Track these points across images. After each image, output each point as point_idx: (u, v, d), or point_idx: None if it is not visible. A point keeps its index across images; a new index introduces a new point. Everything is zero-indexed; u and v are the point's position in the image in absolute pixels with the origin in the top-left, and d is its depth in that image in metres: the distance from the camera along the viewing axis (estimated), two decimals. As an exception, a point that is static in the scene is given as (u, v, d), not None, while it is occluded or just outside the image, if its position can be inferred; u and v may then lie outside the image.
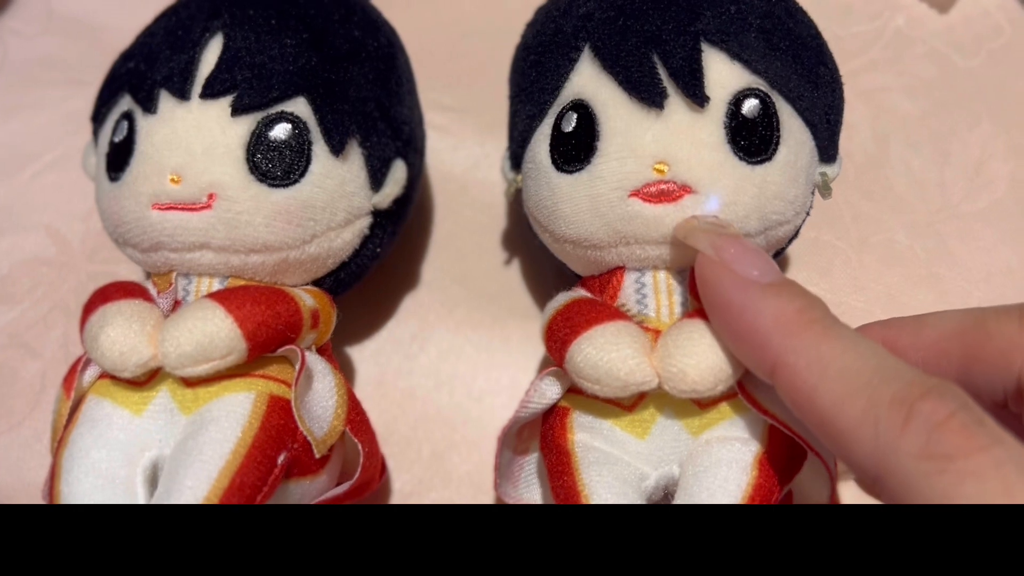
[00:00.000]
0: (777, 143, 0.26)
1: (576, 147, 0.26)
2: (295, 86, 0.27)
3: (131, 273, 0.36)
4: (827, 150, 0.27)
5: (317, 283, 0.30)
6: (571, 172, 0.26)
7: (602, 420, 0.26)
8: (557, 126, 0.27)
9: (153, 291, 0.28)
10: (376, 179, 0.29)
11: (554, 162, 0.27)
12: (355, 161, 0.28)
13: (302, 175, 0.27)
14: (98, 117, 0.30)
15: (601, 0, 0.27)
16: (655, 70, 0.25)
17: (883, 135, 0.38)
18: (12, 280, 0.36)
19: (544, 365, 0.34)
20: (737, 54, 0.26)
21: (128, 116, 0.28)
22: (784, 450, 0.25)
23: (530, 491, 0.29)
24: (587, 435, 0.26)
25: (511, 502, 0.28)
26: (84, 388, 0.27)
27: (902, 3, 0.41)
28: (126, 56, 0.30)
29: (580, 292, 0.28)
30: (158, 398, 0.26)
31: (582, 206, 0.26)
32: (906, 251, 0.36)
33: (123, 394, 0.26)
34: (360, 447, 0.27)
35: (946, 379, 0.19)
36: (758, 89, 0.26)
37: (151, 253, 0.28)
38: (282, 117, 0.27)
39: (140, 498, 0.25)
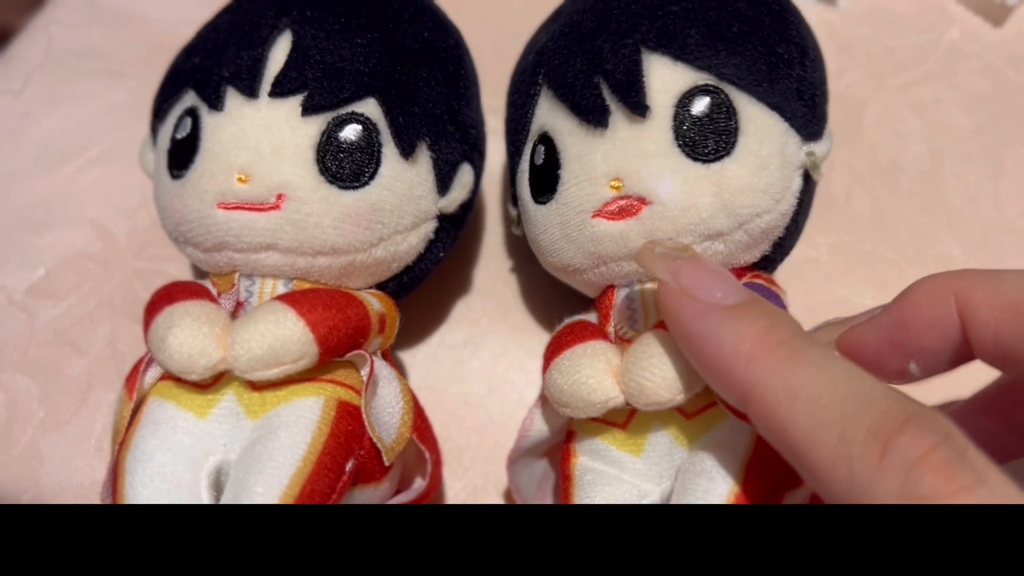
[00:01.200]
0: (734, 136, 0.25)
1: (545, 179, 0.27)
2: (366, 87, 0.27)
3: (180, 271, 0.35)
4: (808, 128, 0.27)
5: (380, 286, 0.29)
6: (544, 203, 0.27)
7: (600, 440, 0.26)
8: (532, 161, 0.28)
9: (213, 291, 0.28)
10: (443, 183, 0.28)
11: (532, 195, 0.28)
12: (423, 164, 0.28)
13: (372, 177, 0.27)
14: (159, 113, 0.29)
15: (556, 30, 0.28)
16: (598, 89, 0.26)
17: (937, 149, 0.38)
18: (57, 275, 0.35)
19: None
20: (679, 55, 0.25)
21: (192, 112, 0.27)
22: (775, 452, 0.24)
23: None
24: (588, 457, 0.27)
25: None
26: (145, 389, 0.26)
27: (956, 16, 0.41)
28: (189, 51, 0.29)
29: (582, 316, 0.29)
30: (223, 401, 0.26)
31: (556, 234, 0.27)
32: (961, 266, 0.35)
33: (187, 396, 0.26)
34: (428, 455, 0.27)
35: (1018, 342, 0.18)
36: (707, 85, 0.25)
37: (214, 253, 0.27)
38: (353, 118, 0.27)
39: (204, 501, 0.25)
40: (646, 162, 0.25)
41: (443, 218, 0.29)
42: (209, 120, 0.27)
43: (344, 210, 0.26)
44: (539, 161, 0.28)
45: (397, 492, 0.29)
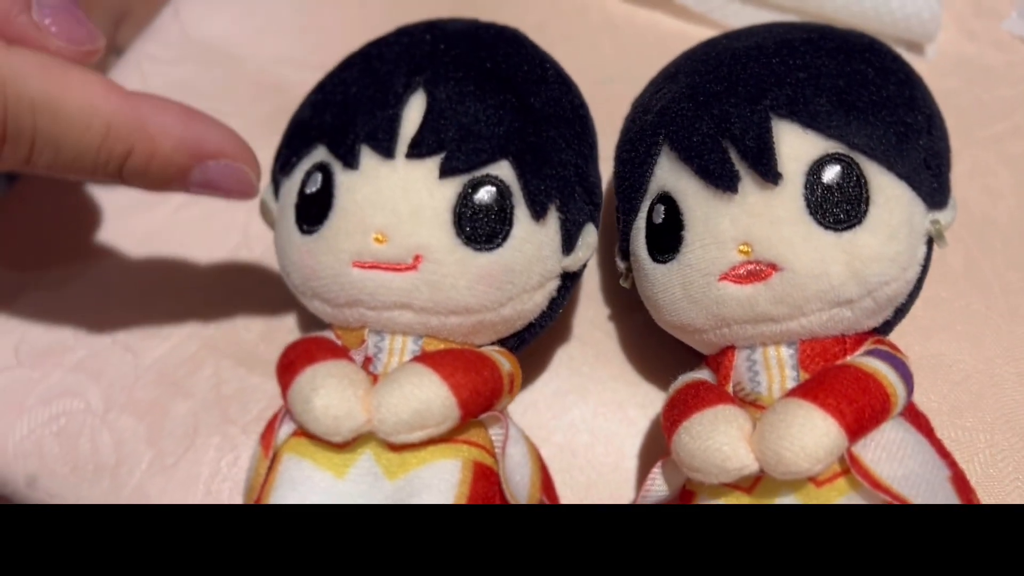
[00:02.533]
0: (866, 205, 0.25)
1: (666, 238, 0.27)
2: (501, 149, 0.27)
3: (282, 312, 0.35)
4: (934, 197, 0.27)
5: (501, 342, 0.29)
6: (664, 262, 0.28)
7: (724, 503, 0.26)
8: (649, 219, 0.28)
9: (338, 343, 0.28)
10: (569, 242, 0.29)
11: (650, 253, 0.28)
12: (552, 225, 0.28)
13: (505, 239, 0.27)
14: (285, 166, 0.29)
15: (677, 92, 0.28)
16: (726, 154, 0.26)
17: (1028, 203, 0.38)
18: (161, 314, 0.36)
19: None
20: (809, 123, 0.26)
21: (323, 168, 0.28)
22: None
23: None
24: None
25: None
26: (279, 445, 0.27)
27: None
28: (317, 105, 0.29)
29: (697, 375, 0.29)
30: (361, 461, 0.26)
31: (677, 294, 0.27)
32: (1056, 325, 0.36)
33: (324, 455, 0.26)
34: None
35: None
36: (838, 154, 0.26)
37: (345, 309, 0.28)
38: (487, 180, 0.27)
39: (344, 563, 0.25)
40: (777, 229, 0.25)
41: (564, 276, 0.29)
42: (344, 178, 0.27)
43: (479, 271, 0.27)
44: (658, 220, 0.28)
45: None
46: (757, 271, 0.26)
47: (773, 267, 0.26)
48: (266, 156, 0.30)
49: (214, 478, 0.33)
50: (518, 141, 0.27)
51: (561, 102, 0.29)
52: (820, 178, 0.26)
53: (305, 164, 0.29)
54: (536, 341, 0.35)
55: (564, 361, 0.35)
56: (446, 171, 0.26)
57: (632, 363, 0.35)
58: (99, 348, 0.35)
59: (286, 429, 0.27)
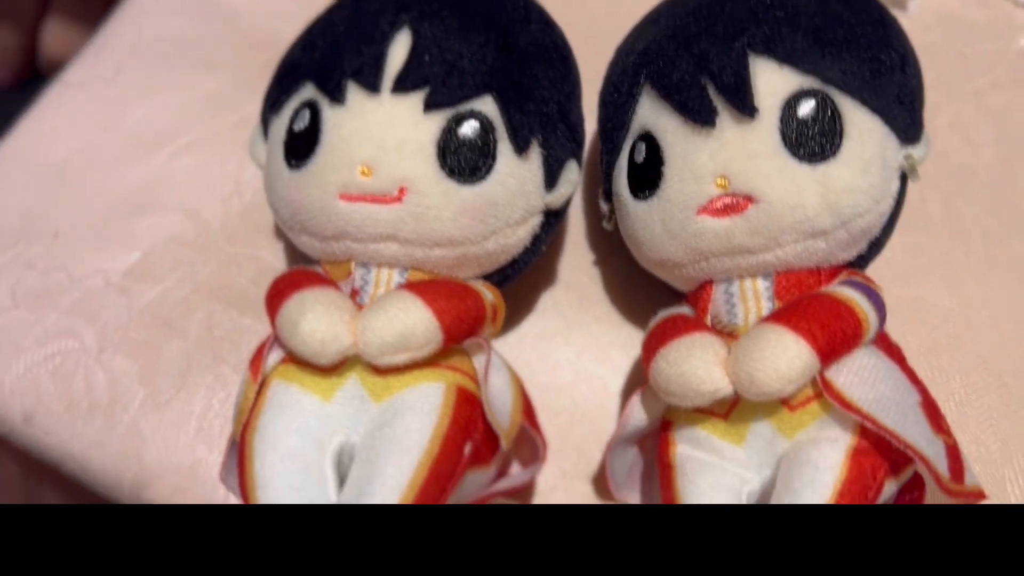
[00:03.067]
0: (840, 138, 0.26)
1: (647, 175, 0.28)
2: (485, 85, 0.28)
3: (273, 256, 0.36)
4: (907, 132, 0.28)
5: (486, 277, 0.30)
6: (645, 199, 0.28)
7: (700, 430, 0.27)
8: (631, 158, 0.29)
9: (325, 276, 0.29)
10: (551, 179, 0.29)
11: (631, 191, 0.29)
12: (535, 161, 0.29)
13: (488, 173, 0.27)
14: (275, 104, 0.30)
15: (658, 34, 0.29)
16: (704, 90, 0.27)
17: (1008, 155, 0.39)
18: (154, 259, 0.36)
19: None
20: (785, 59, 0.27)
21: (311, 105, 0.28)
22: (882, 442, 0.25)
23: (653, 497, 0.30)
24: (688, 446, 0.28)
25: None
26: (267, 372, 0.27)
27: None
28: (305, 45, 0.30)
29: (677, 309, 0.30)
30: (347, 385, 0.27)
31: (657, 230, 0.28)
32: (1032, 271, 0.37)
33: (311, 379, 0.27)
34: (539, 440, 0.28)
35: None
36: (812, 89, 0.26)
37: (331, 242, 0.28)
38: (471, 115, 0.27)
39: (330, 482, 0.26)
40: (753, 162, 0.26)
41: (548, 212, 0.30)
42: (331, 114, 0.28)
43: (462, 204, 0.27)
44: (639, 159, 0.29)
45: (498, 477, 0.30)
46: (734, 204, 0.26)
47: (749, 199, 0.26)
48: (259, 108, 0.31)
49: (206, 415, 0.33)
50: (501, 78, 0.28)
51: (544, 42, 0.30)
52: (795, 112, 0.26)
53: (294, 102, 0.29)
54: (523, 284, 0.36)
55: (549, 305, 0.36)
56: (430, 105, 0.27)
57: (615, 306, 0.36)
58: (93, 291, 0.36)
59: (274, 356, 0.28)
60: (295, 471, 0.25)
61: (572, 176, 0.30)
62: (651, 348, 0.28)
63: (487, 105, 0.28)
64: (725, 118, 0.26)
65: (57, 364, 0.34)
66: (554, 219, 0.31)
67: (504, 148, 0.28)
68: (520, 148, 0.28)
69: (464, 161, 0.27)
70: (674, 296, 0.31)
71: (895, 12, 0.42)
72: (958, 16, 0.42)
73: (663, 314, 0.30)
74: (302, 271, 0.28)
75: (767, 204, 0.26)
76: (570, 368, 0.35)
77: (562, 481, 0.33)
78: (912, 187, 0.38)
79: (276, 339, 0.27)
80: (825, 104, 0.26)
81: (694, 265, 0.28)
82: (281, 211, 0.29)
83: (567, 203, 0.31)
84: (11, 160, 0.39)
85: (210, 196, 0.38)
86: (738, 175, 0.26)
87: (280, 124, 0.29)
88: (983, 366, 0.34)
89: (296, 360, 0.27)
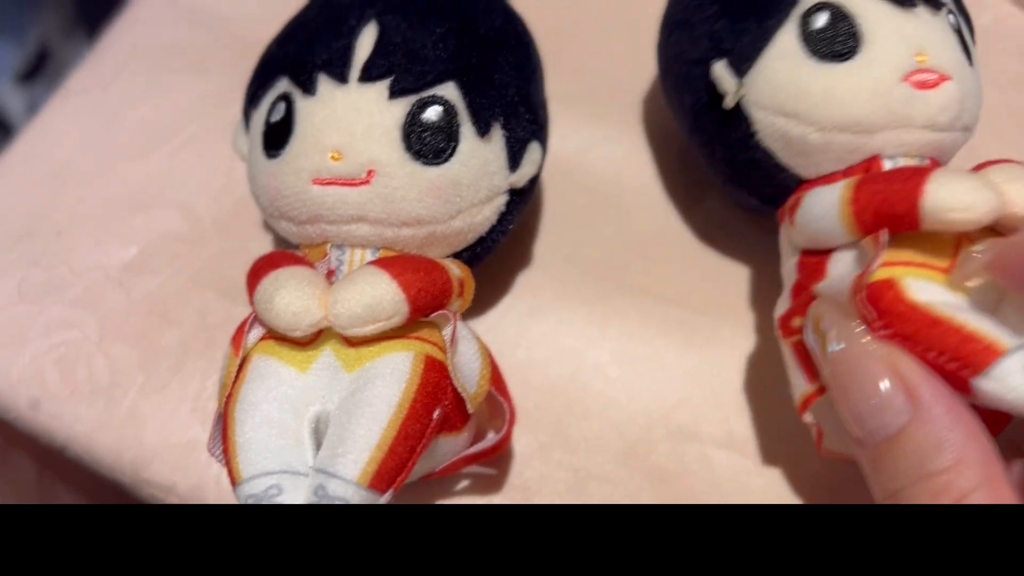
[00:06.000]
0: (970, 51, 0.31)
1: (841, 39, 0.29)
2: (446, 71, 0.29)
3: (262, 248, 0.38)
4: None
5: (456, 255, 0.32)
6: (842, 60, 0.29)
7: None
8: (806, 24, 0.30)
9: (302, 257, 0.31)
10: (514, 159, 0.31)
11: (815, 53, 0.29)
12: (497, 142, 0.30)
13: (451, 154, 0.29)
14: (253, 99, 0.32)
15: None
16: None
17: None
18: (152, 252, 0.38)
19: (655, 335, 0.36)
20: None
21: (286, 97, 0.30)
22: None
23: None
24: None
25: None
26: (249, 347, 0.29)
27: (988, 3, 0.43)
28: (281, 41, 0.32)
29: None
30: (322, 357, 0.28)
31: (862, 88, 0.29)
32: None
33: (289, 353, 0.28)
34: (505, 405, 0.29)
35: None
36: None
37: (307, 225, 0.30)
38: (434, 100, 0.29)
39: (307, 446, 0.27)
40: (945, 47, 0.29)
41: (513, 192, 0.32)
42: (303, 104, 0.29)
43: (427, 184, 0.29)
44: (820, 24, 0.30)
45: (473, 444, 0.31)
46: (930, 79, 0.29)
47: (945, 77, 0.29)
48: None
49: (200, 396, 0.35)
50: (463, 64, 0.30)
51: (505, 30, 0.31)
52: (956, 16, 0.31)
53: (270, 95, 0.31)
54: (501, 267, 0.38)
55: (525, 285, 0.37)
56: (395, 92, 0.29)
57: (588, 287, 0.37)
58: (94, 284, 0.38)
59: (255, 333, 0.29)
60: (273, 435, 0.27)
61: (535, 156, 0.31)
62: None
63: (449, 91, 0.29)
64: (920, 5, 0.30)
65: (61, 353, 0.36)
66: (519, 199, 0.32)
67: (467, 131, 0.29)
68: (482, 131, 0.30)
69: (428, 144, 0.29)
70: (649, 270, 0.33)
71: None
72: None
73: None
74: (279, 253, 0.30)
75: (956, 84, 0.29)
76: (544, 345, 0.36)
77: (539, 451, 0.34)
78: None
79: (256, 317, 0.29)
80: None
81: (881, 133, 0.29)
82: (261, 199, 0.31)
83: (532, 183, 0.33)
84: (16, 164, 0.41)
85: (202, 193, 0.40)
86: (935, 55, 0.29)
87: (259, 117, 0.31)
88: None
89: (275, 336, 0.29)
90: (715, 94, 0.31)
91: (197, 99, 0.42)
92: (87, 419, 0.35)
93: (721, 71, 0.31)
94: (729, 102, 0.31)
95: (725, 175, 0.34)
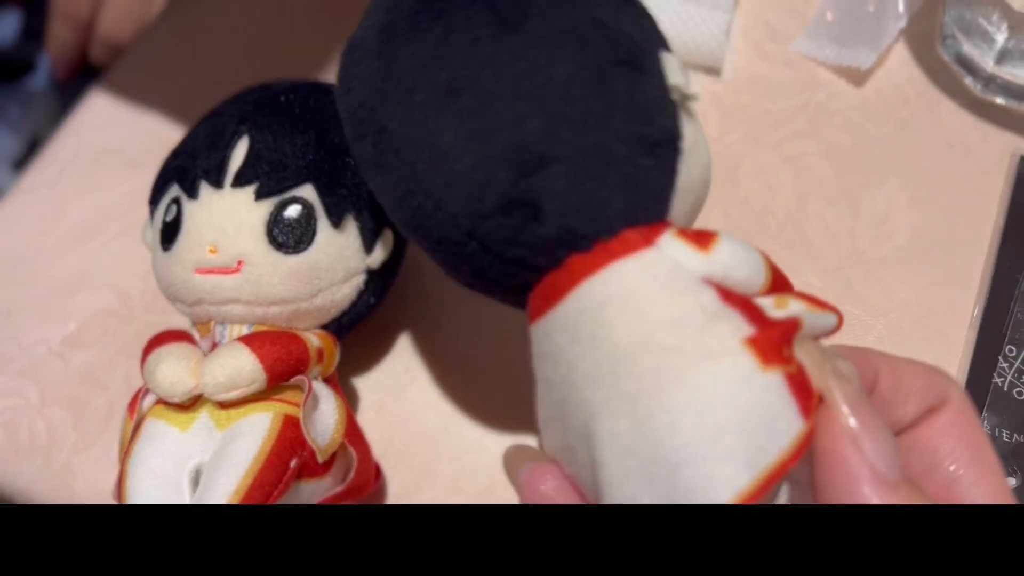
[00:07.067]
0: None
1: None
2: (305, 176, 0.35)
3: (181, 321, 0.44)
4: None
5: (325, 327, 0.37)
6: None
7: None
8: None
9: (196, 335, 0.37)
10: (368, 245, 0.37)
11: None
12: (351, 231, 0.36)
13: (309, 244, 0.35)
14: (154, 200, 0.38)
15: None
16: None
17: (803, 194, 0.45)
18: (86, 329, 0.44)
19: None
20: None
21: (176, 201, 0.36)
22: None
23: None
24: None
25: None
26: (144, 411, 0.35)
27: (824, 80, 0.49)
28: (175, 154, 0.38)
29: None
30: (200, 418, 0.34)
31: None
32: (819, 292, 0.42)
33: (173, 415, 0.34)
34: (354, 453, 0.35)
35: None
36: None
37: (195, 306, 0.36)
38: (294, 200, 0.35)
39: (186, 494, 0.33)
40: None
41: (371, 272, 0.37)
42: (188, 206, 0.36)
43: (288, 270, 0.35)
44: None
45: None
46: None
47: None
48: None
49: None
50: (318, 169, 0.36)
51: (357, 137, 0.37)
52: None
53: (166, 198, 0.37)
54: (383, 331, 0.43)
55: (404, 347, 0.43)
56: (261, 194, 0.35)
57: (457, 349, 0.43)
58: (37, 357, 0.44)
59: (150, 399, 0.35)
60: (156, 485, 0.33)
61: (387, 241, 0.37)
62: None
63: (307, 192, 0.35)
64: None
65: (7, 418, 0.43)
66: (379, 277, 0.38)
67: (323, 224, 0.35)
68: (336, 223, 0.35)
69: (289, 236, 0.35)
70: (508, 343, 0.38)
71: (710, 79, 0.49)
72: (766, 77, 0.49)
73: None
74: (168, 332, 0.36)
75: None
76: (420, 399, 0.41)
77: (410, 489, 0.39)
78: (717, 227, 0.44)
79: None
80: None
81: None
82: (160, 284, 0.37)
83: (391, 265, 0.38)
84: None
85: (131, 275, 0.46)
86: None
87: (158, 216, 0.38)
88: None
89: (164, 402, 0.34)
90: None
91: (130, 193, 0.48)
92: (27, 475, 0.41)
93: None
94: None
95: None
